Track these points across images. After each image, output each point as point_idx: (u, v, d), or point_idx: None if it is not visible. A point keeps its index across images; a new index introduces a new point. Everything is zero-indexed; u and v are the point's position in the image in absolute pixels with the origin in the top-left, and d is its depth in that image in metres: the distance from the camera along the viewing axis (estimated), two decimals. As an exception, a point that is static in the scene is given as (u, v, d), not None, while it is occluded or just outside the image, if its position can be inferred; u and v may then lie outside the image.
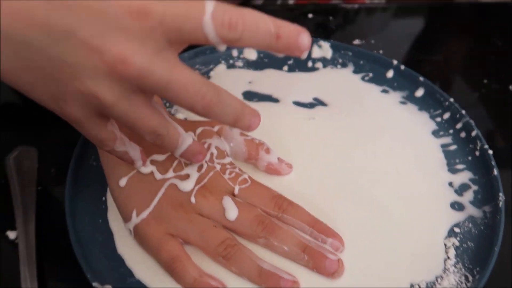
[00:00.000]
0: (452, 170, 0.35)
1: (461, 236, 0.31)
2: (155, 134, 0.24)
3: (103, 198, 0.32)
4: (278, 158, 0.33)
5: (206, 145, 0.31)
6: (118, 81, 0.20)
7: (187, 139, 0.26)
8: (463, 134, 0.37)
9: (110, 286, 0.27)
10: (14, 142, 0.36)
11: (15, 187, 0.31)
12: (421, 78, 0.40)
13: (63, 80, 0.21)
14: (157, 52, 0.20)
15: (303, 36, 0.21)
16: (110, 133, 0.24)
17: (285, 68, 0.42)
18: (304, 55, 0.22)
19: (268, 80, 0.41)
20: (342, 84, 0.42)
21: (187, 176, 0.29)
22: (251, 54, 0.43)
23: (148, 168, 0.29)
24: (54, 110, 0.23)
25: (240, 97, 0.40)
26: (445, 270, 0.29)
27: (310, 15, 0.51)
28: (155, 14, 0.20)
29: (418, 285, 0.28)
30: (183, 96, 0.21)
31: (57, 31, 0.19)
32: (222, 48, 0.21)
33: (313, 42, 0.43)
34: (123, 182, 0.29)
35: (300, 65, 0.43)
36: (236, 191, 0.29)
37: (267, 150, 0.33)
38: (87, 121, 0.23)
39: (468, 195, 0.33)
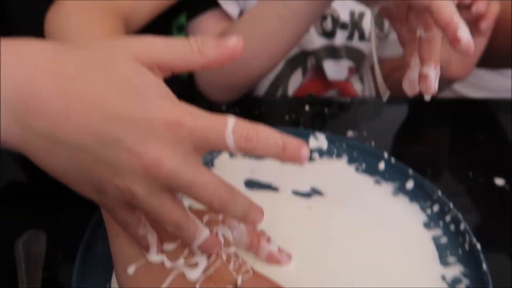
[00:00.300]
0: (444, 263, 0.37)
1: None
2: (176, 226, 0.27)
3: (107, 285, 0.33)
4: (278, 248, 0.35)
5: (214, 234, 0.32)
6: (151, 180, 0.24)
7: (204, 232, 0.28)
8: (452, 227, 0.39)
9: None
10: (23, 223, 0.37)
11: (22, 274, 0.32)
12: (410, 171, 0.43)
13: (105, 177, 0.24)
14: (185, 157, 0.24)
15: (304, 149, 0.25)
16: (136, 218, 0.27)
17: (284, 157, 0.45)
18: (305, 163, 0.25)
19: (268, 169, 0.44)
20: (337, 174, 0.44)
21: (196, 265, 0.30)
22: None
23: (158, 257, 0.30)
24: (92, 198, 0.26)
25: (242, 185, 0.42)
26: None
27: (307, 107, 0.55)
28: (187, 126, 0.23)
29: None
30: (204, 195, 0.25)
31: (107, 139, 0.23)
32: (237, 155, 0.25)
33: (310, 134, 0.47)
34: (131, 269, 0.30)
35: (298, 155, 0.46)
36: (238, 282, 0.31)
37: (268, 240, 0.35)
38: (118, 209, 0.26)
39: (461, 289, 0.35)
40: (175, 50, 0.26)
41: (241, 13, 0.58)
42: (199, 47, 0.26)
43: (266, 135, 0.24)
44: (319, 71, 0.62)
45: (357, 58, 0.62)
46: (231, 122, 0.24)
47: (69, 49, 0.25)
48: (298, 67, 0.62)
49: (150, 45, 0.26)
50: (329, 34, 0.60)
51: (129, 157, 0.23)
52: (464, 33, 0.32)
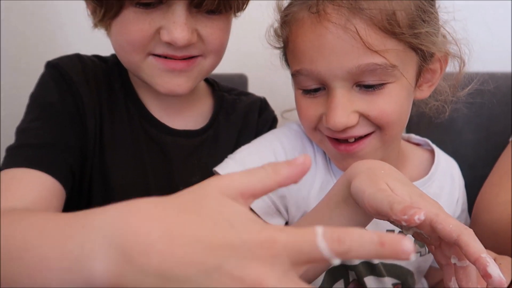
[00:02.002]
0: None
1: None
2: None
3: None
4: None
5: None
6: None
7: None
8: None
9: None
10: None
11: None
12: None
13: None
14: (284, 273, 0.24)
15: (405, 241, 0.23)
16: None
17: None
18: (412, 258, 0.24)
19: None
20: None
21: None
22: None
23: None
24: None
25: None
26: None
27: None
28: (280, 241, 0.24)
29: None
30: None
31: (209, 268, 0.25)
32: (336, 262, 0.24)
33: None
34: None
35: None
36: None
37: None
38: None
39: None
40: (253, 177, 0.29)
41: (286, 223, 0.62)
42: (273, 168, 0.29)
43: (359, 233, 0.24)
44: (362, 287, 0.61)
45: (400, 275, 0.61)
46: (319, 229, 0.25)
47: (168, 198, 0.28)
48: (339, 279, 0.62)
49: (231, 178, 0.29)
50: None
51: (232, 282, 0.24)
52: (494, 270, 0.33)
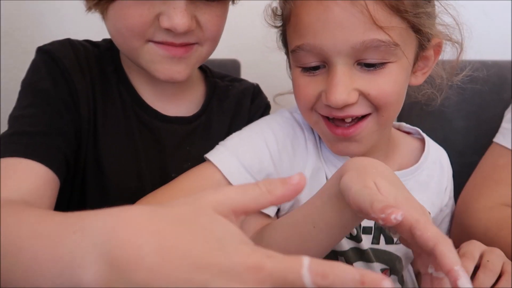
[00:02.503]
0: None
1: None
2: None
3: None
4: None
5: None
6: None
7: None
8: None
9: None
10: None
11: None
12: None
13: None
14: None
15: (386, 281, 0.24)
16: None
17: None
18: None
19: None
20: None
21: None
22: None
23: None
24: None
25: None
26: None
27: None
28: (266, 268, 0.25)
29: None
30: None
31: (197, 285, 0.25)
32: None
33: None
34: None
35: None
36: None
37: None
38: None
39: None
40: (247, 195, 0.29)
41: (278, 211, 0.63)
42: (267, 188, 0.29)
43: (342, 270, 0.25)
44: (350, 272, 0.62)
45: (389, 260, 0.62)
46: (306, 261, 0.25)
47: (162, 209, 0.29)
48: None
49: (225, 195, 0.29)
50: (355, 238, 0.61)
51: None
52: (464, 283, 0.32)
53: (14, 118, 0.54)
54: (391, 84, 0.52)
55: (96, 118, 0.58)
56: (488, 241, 0.55)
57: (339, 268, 0.25)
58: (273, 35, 0.61)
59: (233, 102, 0.68)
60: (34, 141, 0.51)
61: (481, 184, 0.73)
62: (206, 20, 0.54)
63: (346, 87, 0.51)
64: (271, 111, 0.72)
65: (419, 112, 0.82)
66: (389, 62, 0.51)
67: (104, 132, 0.58)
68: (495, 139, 0.79)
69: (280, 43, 0.61)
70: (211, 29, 0.55)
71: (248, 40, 1.10)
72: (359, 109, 0.53)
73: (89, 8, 0.54)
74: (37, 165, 0.49)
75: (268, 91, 0.74)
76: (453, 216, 0.73)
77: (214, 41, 0.57)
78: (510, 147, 0.75)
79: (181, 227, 0.27)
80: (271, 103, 0.73)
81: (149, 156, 0.61)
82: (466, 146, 0.93)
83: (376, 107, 0.53)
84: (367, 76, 0.52)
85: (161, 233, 0.27)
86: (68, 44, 0.59)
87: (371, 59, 0.51)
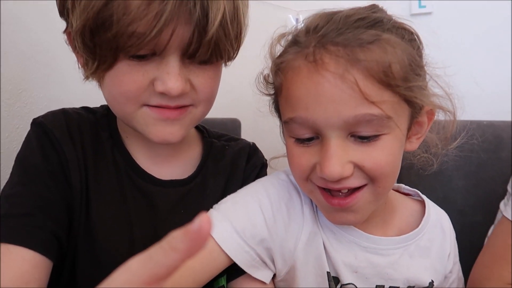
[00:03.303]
0: None
1: None
2: None
3: None
4: None
5: None
6: None
7: None
8: None
9: None
10: None
11: None
12: None
13: None
14: None
15: None
16: None
17: None
18: None
19: None
20: None
21: None
22: None
23: None
24: None
25: None
26: None
27: None
28: None
29: None
30: None
31: None
32: None
33: None
34: None
35: None
36: None
37: None
38: None
39: None
40: (152, 262, 0.28)
41: (274, 276, 0.61)
42: (170, 245, 0.28)
43: None
44: None
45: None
46: None
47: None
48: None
49: (131, 271, 0.28)
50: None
51: None
52: None
53: (4, 198, 0.54)
54: (385, 155, 0.51)
55: (88, 186, 0.58)
56: None
57: None
58: (266, 99, 0.62)
59: (228, 162, 0.68)
60: (20, 225, 0.51)
61: (493, 263, 0.71)
62: (199, 83, 0.54)
63: (340, 159, 0.50)
64: (271, 170, 0.71)
65: (418, 172, 0.82)
66: (382, 134, 0.51)
67: (97, 200, 0.58)
68: (505, 213, 0.76)
69: (273, 110, 0.61)
70: (204, 91, 0.55)
71: (248, 99, 1.13)
72: (355, 181, 0.52)
73: (86, 77, 0.55)
74: (22, 250, 0.50)
75: (268, 150, 0.74)
76: None
77: (209, 102, 0.58)
78: None
79: None
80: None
81: (142, 221, 0.60)
82: (466, 205, 0.93)
83: (371, 179, 0.52)
84: (361, 148, 0.51)
85: None
86: (61, 114, 0.60)
87: (364, 132, 0.50)
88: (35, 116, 0.60)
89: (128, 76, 0.51)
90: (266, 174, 0.71)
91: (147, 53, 0.50)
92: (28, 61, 0.87)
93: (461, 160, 0.90)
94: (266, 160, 0.73)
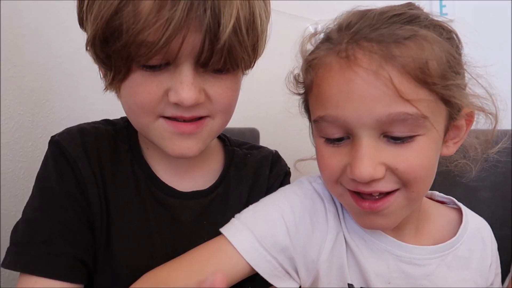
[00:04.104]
0: None
1: None
2: None
3: None
4: None
5: None
6: None
7: None
8: None
9: None
10: None
11: None
12: None
13: None
14: None
15: None
16: None
17: None
18: None
19: None
20: None
21: None
22: None
23: None
24: None
25: None
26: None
27: None
28: None
29: None
30: None
31: None
32: None
33: None
34: None
35: None
36: None
37: None
38: None
39: None
40: None
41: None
42: None
43: None
44: None
45: None
46: None
47: None
48: None
49: None
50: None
51: None
52: None
53: (25, 222, 0.55)
54: (420, 158, 0.48)
55: (108, 201, 0.58)
56: None
57: None
58: (294, 101, 0.60)
59: (251, 171, 0.67)
60: (43, 253, 0.53)
61: None
62: (215, 93, 0.52)
63: (372, 160, 0.48)
64: (292, 178, 0.71)
65: (442, 182, 0.80)
66: (417, 135, 0.48)
67: (117, 214, 0.58)
68: None
69: (303, 110, 0.60)
70: (221, 102, 0.53)
71: (267, 109, 1.13)
72: (387, 185, 0.49)
73: (106, 88, 0.56)
74: (49, 281, 0.52)
75: (287, 160, 0.73)
76: None
77: (227, 113, 0.56)
78: None
79: None
80: (292, 169, 0.71)
81: (163, 234, 0.59)
82: (494, 218, 0.89)
83: (404, 183, 0.50)
84: (394, 149, 0.48)
85: None
86: (77, 132, 0.60)
87: (398, 132, 0.48)
88: (58, 126, 0.61)
89: (143, 87, 0.51)
90: (289, 183, 0.70)
91: (160, 62, 0.49)
92: (51, 72, 0.89)
93: (485, 171, 0.87)
94: (289, 169, 0.72)
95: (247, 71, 0.58)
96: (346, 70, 0.47)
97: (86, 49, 0.52)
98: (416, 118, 0.47)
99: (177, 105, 0.51)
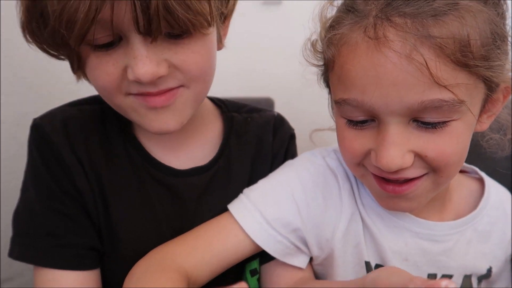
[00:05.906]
0: None
1: None
2: None
3: None
4: None
5: None
6: None
7: None
8: None
9: None
10: None
11: None
12: None
13: None
14: None
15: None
16: None
17: None
18: None
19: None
20: None
21: None
22: None
23: None
24: None
25: None
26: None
27: None
28: None
29: None
30: None
31: None
32: None
33: None
34: None
35: None
36: None
37: None
38: None
39: None
40: None
41: (311, 260, 0.59)
42: None
43: None
44: None
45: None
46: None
47: None
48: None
49: None
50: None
51: None
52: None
53: (26, 212, 0.54)
54: (453, 144, 0.45)
55: (103, 187, 0.55)
56: None
57: None
58: (311, 67, 0.55)
59: (253, 138, 0.64)
60: (50, 246, 0.53)
61: None
62: (180, 61, 0.48)
63: (400, 149, 0.44)
64: (306, 149, 0.69)
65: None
66: (452, 120, 0.44)
67: (116, 200, 0.56)
68: None
69: (322, 82, 0.55)
70: (190, 69, 0.49)
71: (282, 78, 1.11)
72: (414, 171, 0.46)
73: (78, 76, 0.53)
74: (64, 273, 0.52)
75: (302, 129, 0.71)
76: None
77: (202, 80, 0.51)
78: None
79: None
80: (307, 141, 0.68)
81: (169, 215, 0.58)
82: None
83: (434, 168, 0.46)
84: (425, 135, 0.44)
85: None
86: (59, 116, 0.56)
87: (430, 118, 0.43)
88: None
89: (100, 69, 0.47)
90: (295, 147, 0.67)
91: (108, 40, 0.45)
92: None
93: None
94: (293, 130, 0.68)
95: (211, 29, 0.49)
96: (374, 52, 0.42)
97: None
98: (452, 104, 0.42)
99: (138, 82, 0.47)
